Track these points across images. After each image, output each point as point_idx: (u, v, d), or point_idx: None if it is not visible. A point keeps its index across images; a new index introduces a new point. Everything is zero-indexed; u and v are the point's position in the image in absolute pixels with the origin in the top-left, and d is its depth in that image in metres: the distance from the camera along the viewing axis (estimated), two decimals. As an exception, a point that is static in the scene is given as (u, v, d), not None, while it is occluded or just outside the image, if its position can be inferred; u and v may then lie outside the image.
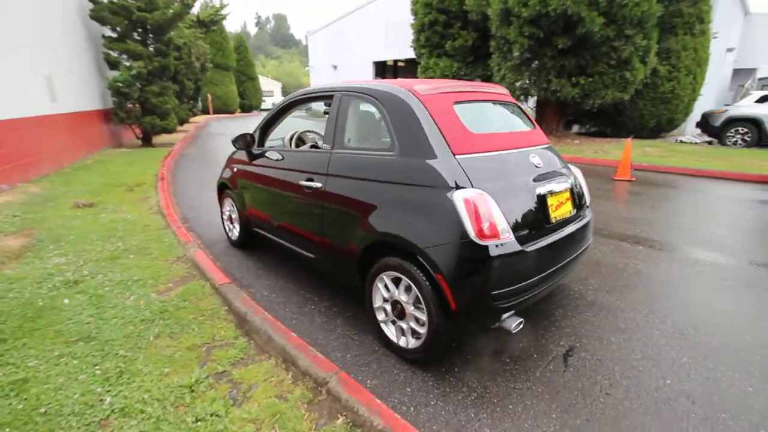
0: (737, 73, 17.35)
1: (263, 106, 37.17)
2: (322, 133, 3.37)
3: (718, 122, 10.48)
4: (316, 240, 2.69)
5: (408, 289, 2.12)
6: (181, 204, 5.52)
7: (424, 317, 2.06)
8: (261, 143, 3.40)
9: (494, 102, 2.57)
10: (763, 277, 3.24)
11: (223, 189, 4.00)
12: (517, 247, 1.95)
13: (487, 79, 11.26)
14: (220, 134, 14.94)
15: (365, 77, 23.39)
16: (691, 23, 10.28)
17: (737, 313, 2.73)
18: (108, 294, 2.87)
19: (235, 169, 3.62)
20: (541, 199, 2.19)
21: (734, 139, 10.29)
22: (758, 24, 17.31)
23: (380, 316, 2.34)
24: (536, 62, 9.06)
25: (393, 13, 21.00)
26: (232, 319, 2.59)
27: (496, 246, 1.88)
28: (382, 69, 25.39)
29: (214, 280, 3.00)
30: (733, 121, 10.22)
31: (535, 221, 2.12)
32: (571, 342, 2.41)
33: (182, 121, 12.05)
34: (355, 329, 2.53)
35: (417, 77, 21.15)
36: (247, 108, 32.05)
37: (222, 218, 4.14)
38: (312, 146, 3.64)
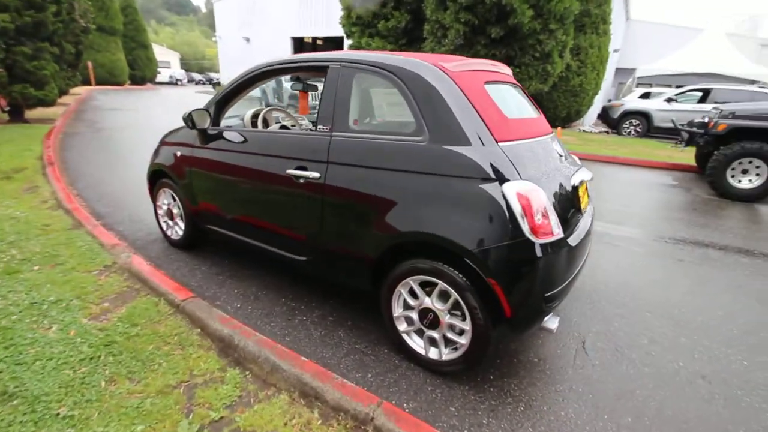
0: (618, 71, 19.93)
1: (158, 79, 32.87)
2: (293, 113, 2.86)
3: (616, 114, 11.92)
4: (310, 241, 2.26)
5: (444, 296, 1.86)
6: (85, 195, 4.44)
7: (464, 326, 1.82)
8: (216, 122, 2.77)
9: (510, 84, 2.37)
10: (680, 249, 3.64)
11: (157, 178, 3.24)
12: (566, 244, 1.81)
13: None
14: (114, 109, 12.73)
15: (284, 53, 21.86)
16: (597, 23, 11.38)
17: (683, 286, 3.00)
18: (17, 325, 2.09)
19: (179, 154, 2.93)
20: (575, 190, 2.07)
21: (628, 130, 11.81)
22: (636, 29, 20.03)
23: (402, 326, 2.04)
24: (470, 50, 9.20)
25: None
26: (211, 346, 2.06)
27: (550, 243, 1.71)
28: (300, 46, 24.00)
29: (170, 294, 2.38)
30: (628, 114, 11.71)
31: (572, 214, 1.99)
32: (582, 332, 2.39)
33: (61, 92, 9.87)
34: (363, 341, 2.20)
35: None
36: (138, 80, 27.99)
37: (156, 213, 3.38)
38: (281, 127, 3.12)
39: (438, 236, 1.76)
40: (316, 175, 2.12)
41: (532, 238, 1.66)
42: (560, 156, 2.19)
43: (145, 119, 10.95)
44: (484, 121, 1.81)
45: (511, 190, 1.68)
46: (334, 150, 2.09)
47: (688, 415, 1.81)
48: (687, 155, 7.91)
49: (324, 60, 2.27)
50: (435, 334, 1.93)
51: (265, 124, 3.10)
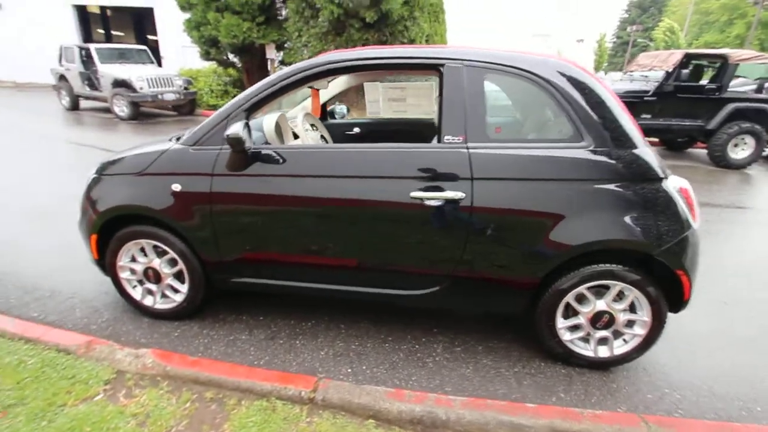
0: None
1: None
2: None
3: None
4: (442, 271, 1.94)
5: (619, 296, 1.90)
6: None
7: (642, 317, 1.91)
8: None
9: None
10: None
11: (118, 226, 2.16)
12: None
13: (283, 45, 10.26)
14: None
15: (64, 29, 16.70)
16: (437, 12, 12.54)
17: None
18: None
19: (181, 189, 2.00)
20: None
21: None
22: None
23: (566, 336, 1.99)
24: (343, 33, 8.92)
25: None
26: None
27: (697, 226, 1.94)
28: (85, 18, 18.73)
29: (281, 389, 1.68)
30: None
31: None
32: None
33: None
34: (511, 361, 2.06)
35: (155, 33, 16.68)
36: None
37: (118, 278, 2.26)
38: (322, 138, 2.46)
39: (622, 241, 1.78)
40: (460, 195, 1.80)
41: (695, 225, 1.86)
42: None
43: None
44: (632, 122, 1.86)
45: (674, 186, 1.84)
46: (479, 163, 1.81)
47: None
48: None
49: (432, 57, 1.89)
50: (606, 333, 1.96)
51: (281, 134, 2.41)
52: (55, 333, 1.99)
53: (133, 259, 2.22)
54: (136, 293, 2.28)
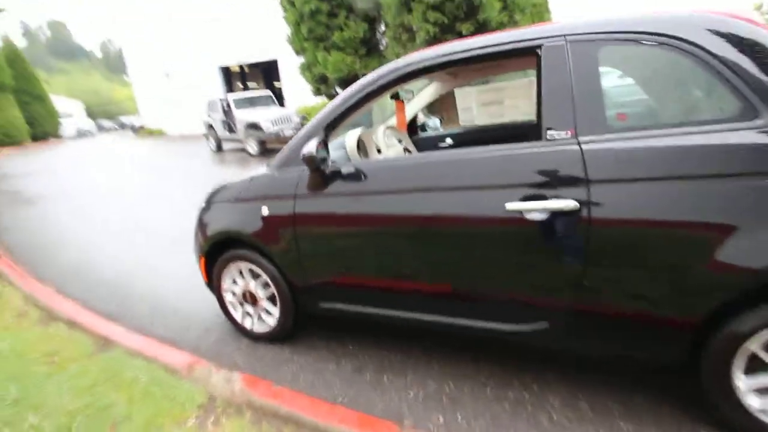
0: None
1: (63, 133, 29.09)
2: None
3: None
4: (554, 304, 1.54)
5: None
6: (70, 291, 3.22)
7: None
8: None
9: None
10: None
11: (219, 251, 2.27)
12: None
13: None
14: (30, 174, 10.68)
15: (212, 87, 20.25)
16: (541, 13, 11.69)
17: None
18: None
19: (269, 213, 2.01)
20: None
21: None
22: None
23: (752, 401, 1.37)
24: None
25: (230, 10, 18.55)
26: None
27: None
28: (228, 76, 22.47)
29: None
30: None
31: None
32: None
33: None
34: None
35: (279, 80, 19.23)
36: (40, 136, 24.51)
37: (223, 300, 2.38)
38: (406, 151, 2.32)
39: None
40: (571, 204, 1.40)
41: None
42: None
43: (75, 181, 9.20)
44: None
45: None
46: (597, 162, 1.39)
47: None
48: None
49: (524, 39, 1.57)
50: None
51: (366, 151, 2.30)
52: (166, 351, 2.16)
53: (235, 282, 2.32)
54: (237, 315, 2.37)
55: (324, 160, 1.78)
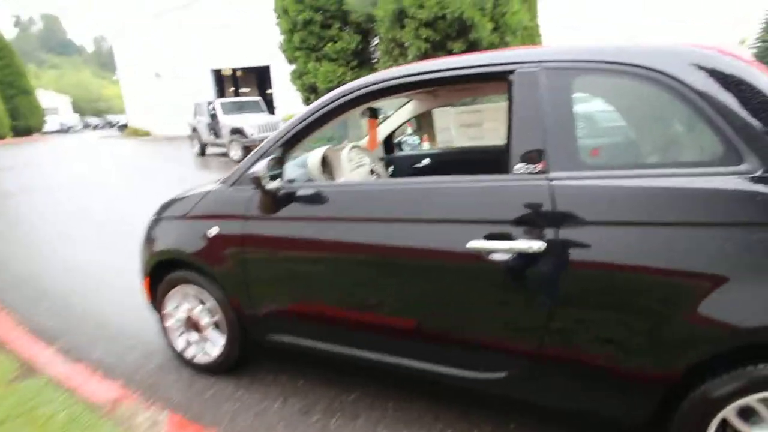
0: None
1: (46, 128, 28.41)
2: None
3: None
4: (516, 350, 1.39)
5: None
6: (15, 302, 2.96)
7: None
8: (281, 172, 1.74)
9: None
10: None
11: (164, 272, 2.08)
12: None
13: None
14: (8, 168, 10.29)
15: (203, 89, 20.00)
16: (532, 36, 11.82)
17: None
18: None
19: (216, 233, 1.83)
20: None
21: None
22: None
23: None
24: (432, 66, 8.86)
25: (227, 13, 18.45)
26: None
27: None
28: (220, 79, 22.27)
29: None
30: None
31: None
32: None
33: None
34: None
35: (270, 87, 19.08)
36: (23, 131, 23.92)
37: (164, 326, 2.18)
38: (372, 173, 2.18)
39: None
40: (537, 245, 1.26)
41: None
42: None
43: (56, 175, 8.86)
44: None
45: None
46: (568, 200, 1.26)
47: None
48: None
49: (495, 63, 1.44)
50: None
51: (331, 170, 2.14)
52: (92, 383, 1.94)
53: (178, 307, 2.12)
54: (179, 343, 2.16)
55: (276, 179, 1.62)
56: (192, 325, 2.08)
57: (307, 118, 1.71)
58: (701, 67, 1.21)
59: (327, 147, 2.15)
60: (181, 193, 2.17)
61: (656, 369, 1.22)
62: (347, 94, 1.66)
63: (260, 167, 1.54)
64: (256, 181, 1.55)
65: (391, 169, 2.88)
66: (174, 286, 2.07)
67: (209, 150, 12.71)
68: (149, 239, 2.17)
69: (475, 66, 1.47)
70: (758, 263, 1.10)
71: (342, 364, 2.06)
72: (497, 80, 1.44)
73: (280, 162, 1.66)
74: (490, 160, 2.63)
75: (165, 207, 2.19)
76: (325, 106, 1.69)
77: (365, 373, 2.01)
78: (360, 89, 1.64)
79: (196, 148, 12.69)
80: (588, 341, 1.30)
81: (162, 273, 2.09)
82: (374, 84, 1.61)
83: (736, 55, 1.25)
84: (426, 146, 3.32)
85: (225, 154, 11.56)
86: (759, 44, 16.42)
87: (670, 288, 1.17)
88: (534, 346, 1.36)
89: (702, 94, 1.18)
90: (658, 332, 1.19)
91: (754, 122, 1.13)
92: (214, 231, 1.84)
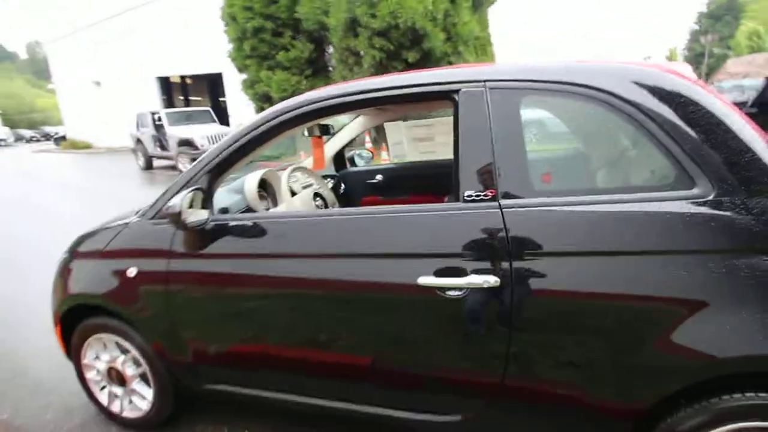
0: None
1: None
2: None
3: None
4: (469, 391, 1.29)
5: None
6: None
7: None
8: (208, 204, 1.54)
9: None
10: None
11: (78, 318, 1.80)
12: None
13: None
14: None
15: (149, 98, 18.90)
16: (484, 45, 12.14)
17: None
18: None
19: (136, 273, 1.60)
20: None
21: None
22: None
23: None
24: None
25: (175, 17, 17.60)
26: None
27: None
28: (168, 87, 21.18)
29: None
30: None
31: None
32: None
33: None
34: None
35: (223, 95, 18.27)
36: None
37: (84, 378, 1.89)
38: (317, 196, 2.01)
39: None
40: (491, 280, 1.16)
41: None
42: None
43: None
44: None
45: None
46: (521, 228, 1.17)
47: None
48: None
49: (439, 82, 1.34)
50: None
51: (273, 194, 1.96)
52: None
53: (98, 357, 1.84)
54: (103, 396, 1.88)
55: (205, 210, 1.43)
56: (116, 376, 1.81)
57: (239, 140, 1.53)
58: (646, 86, 1.16)
59: (266, 170, 1.97)
60: (97, 226, 1.90)
61: (625, 402, 1.15)
62: (283, 114, 1.50)
63: (178, 201, 1.34)
64: (175, 218, 1.35)
65: (342, 187, 2.73)
66: (92, 334, 1.79)
67: (156, 163, 11.97)
68: (61, 281, 1.88)
69: (418, 84, 1.36)
70: (716, 291, 1.06)
71: (291, 413, 1.88)
72: (442, 99, 1.34)
73: (208, 193, 1.47)
74: (443, 175, 2.55)
75: (79, 242, 1.91)
76: (258, 127, 1.51)
77: (317, 422, 1.83)
78: (297, 108, 1.48)
79: (141, 162, 11.92)
80: (545, 379, 1.21)
81: (76, 319, 1.81)
82: (313, 103, 1.46)
83: (683, 75, 1.22)
84: (375, 161, 3.23)
85: (173, 167, 10.91)
86: (686, 53, 17.87)
87: (626, 317, 1.11)
88: (492, 384, 1.26)
89: (648, 113, 1.13)
90: (627, 365, 1.13)
91: (704, 144, 1.09)
92: (133, 271, 1.60)
